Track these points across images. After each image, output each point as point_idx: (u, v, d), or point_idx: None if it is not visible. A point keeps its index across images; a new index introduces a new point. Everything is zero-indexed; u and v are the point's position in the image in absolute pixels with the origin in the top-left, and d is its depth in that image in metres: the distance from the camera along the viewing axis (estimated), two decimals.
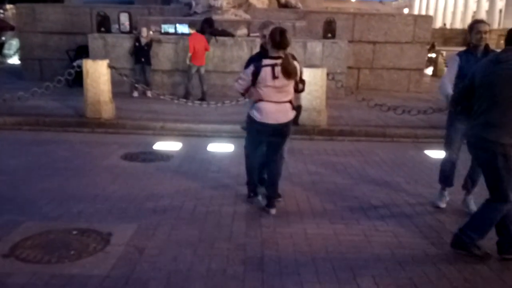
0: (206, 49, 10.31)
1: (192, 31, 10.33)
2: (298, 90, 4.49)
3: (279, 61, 4.17)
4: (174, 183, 5.37)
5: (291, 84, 4.30)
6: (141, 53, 10.65)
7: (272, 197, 4.58)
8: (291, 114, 4.41)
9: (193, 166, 6.07)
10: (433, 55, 18.11)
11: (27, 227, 4.00)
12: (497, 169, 3.53)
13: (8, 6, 20.09)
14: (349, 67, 11.85)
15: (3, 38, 19.42)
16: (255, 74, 4.21)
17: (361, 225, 4.32)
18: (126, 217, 4.32)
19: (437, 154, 6.46)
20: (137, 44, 10.67)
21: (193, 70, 10.26)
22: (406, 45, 12.73)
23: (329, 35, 11.11)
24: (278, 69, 4.17)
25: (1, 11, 21.16)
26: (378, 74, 12.90)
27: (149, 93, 10.11)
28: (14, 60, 17.73)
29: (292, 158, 6.16)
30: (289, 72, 4.17)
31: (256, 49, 11.41)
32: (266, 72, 4.17)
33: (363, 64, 12.82)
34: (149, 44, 10.70)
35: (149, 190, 5.09)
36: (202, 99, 9.86)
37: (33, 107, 8.93)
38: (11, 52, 18.57)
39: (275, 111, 4.29)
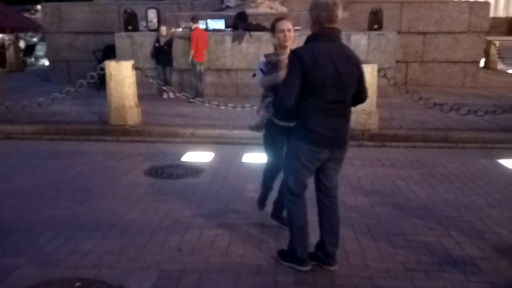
0: (206, 47, 9.72)
1: (195, 26, 9.60)
2: None
3: None
4: (204, 207, 4.50)
5: None
6: (161, 54, 9.87)
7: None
8: None
9: (227, 184, 5.18)
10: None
11: (21, 276, 3.20)
12: None
13: (39, 7, 19.84)
14: (397, 61, 10.70)
15: (35, 40, 19.16)
16: None
17: (447, 272, 3.30)
18: (144, 260, 3.46)
19: None
20: (156, 44, 9.89)
21: (198, 67, 9.59)
22: (461, 35, 11.45)
23: (376, 26, 10.00)
24: None
25: (32, 12, 20.97)
26: (429, 68, 11.69)
27: (171, 95, 9.70)
28: (45, 62, 17.39)
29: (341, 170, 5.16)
30: None
31: (300, 44, 10.64)
32: None
33: (412, 57, 11.64)
34: (169, 44, 9.88)
35: (174, 218, 4.24)
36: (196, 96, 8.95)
37: (55, 113, 8.30)
38: (42, 53, 18.28)
39: None
